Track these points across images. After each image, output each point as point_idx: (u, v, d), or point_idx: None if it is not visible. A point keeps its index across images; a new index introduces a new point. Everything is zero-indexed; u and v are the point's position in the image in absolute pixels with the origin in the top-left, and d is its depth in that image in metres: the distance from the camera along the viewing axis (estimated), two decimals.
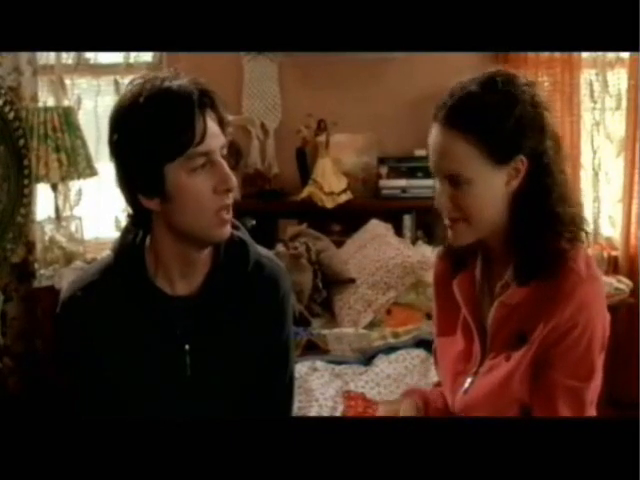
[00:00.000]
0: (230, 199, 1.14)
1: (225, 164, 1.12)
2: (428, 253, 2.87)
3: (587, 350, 1.15)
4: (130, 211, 1.19)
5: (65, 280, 2.74)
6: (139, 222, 1.19)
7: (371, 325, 2.71)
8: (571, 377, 1.16)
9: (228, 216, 1.14)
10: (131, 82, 1.13)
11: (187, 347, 1.19)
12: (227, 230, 1.16)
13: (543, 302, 1.16)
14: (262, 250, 1.29)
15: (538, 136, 1.17)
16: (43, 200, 3.06)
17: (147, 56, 3.20)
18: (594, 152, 3.18)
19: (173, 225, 1.14)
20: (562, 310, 1.14)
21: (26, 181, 2.79)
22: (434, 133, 1.19)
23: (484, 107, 1.15)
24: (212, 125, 1.11)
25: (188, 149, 1.08)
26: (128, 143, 1.10)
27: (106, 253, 1.25)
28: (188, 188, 1.10)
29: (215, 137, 1.11)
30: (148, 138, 1.07)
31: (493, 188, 1.17)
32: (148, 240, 1.20)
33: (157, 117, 1.07)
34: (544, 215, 1.18)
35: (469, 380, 1.27)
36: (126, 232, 1.23)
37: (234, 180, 1.12)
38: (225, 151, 1.14)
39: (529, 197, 1.18)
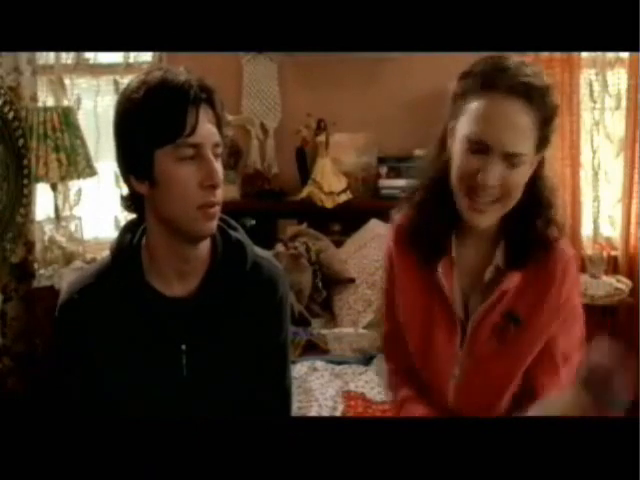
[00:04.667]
0: (216, 197, 1.13)
1: (214, 160, 1.12)
2: None
3: (580, 317, 1.26)
4: (125, 193, 1.21)
5: (65, 280, 2.74)
6: (131, 207, 1.21)
7: (371, 325, 2.71)
8: (570, 345, 1.23)
9: (213, 211, 1.14)
10: (145, 71, 1.17)
11: (183, 347, 1.19)
12: (212, 225, 1.15)
13: (537, 283, 1.22)
14: (260, 251, 1.29)
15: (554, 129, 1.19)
16: (42, 200, 3.06)
17: (147, 56, 3.20)
18: (594, 152, 3.17)
19: (160, 214, 1.15)
20: (558, 289, 1.21)
21: (25, 181, 2.80)
22: (496, 102, 1.12)
23: (540, 85, 1.14)
24: (205, 120, 1.12)
25: (178, 138, 1.09)
26: (124, 124, 1.14)
27: (106, 253, 1.25)
28: (174, 176, 1.11)
29: (207, 132, 1.12)
30: (142, 122, 1.10)
31: (528, 175, 1.19)
32: (144, 241, 1.21)
33: (152, 103, 1.09)
34: (542, 200, 1.23)
35: (457, 369, 1.27)
36: (123, 233, 1.23)
37: (220, 177, 1.13)
38: (220, 150, 1.15)
39: (530, 183, 1.20)
